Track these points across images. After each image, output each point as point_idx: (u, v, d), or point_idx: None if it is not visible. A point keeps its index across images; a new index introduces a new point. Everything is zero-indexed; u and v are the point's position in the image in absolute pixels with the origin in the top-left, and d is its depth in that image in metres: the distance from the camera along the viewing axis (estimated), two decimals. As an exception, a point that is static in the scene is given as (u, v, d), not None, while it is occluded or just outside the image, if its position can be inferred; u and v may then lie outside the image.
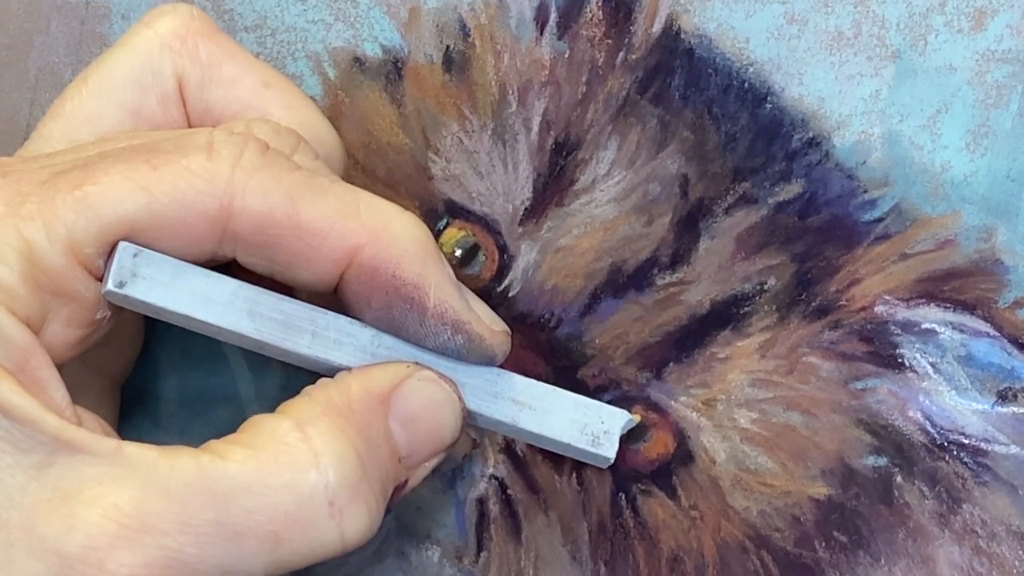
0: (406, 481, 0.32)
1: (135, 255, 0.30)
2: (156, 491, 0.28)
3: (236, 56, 0.34)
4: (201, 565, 0.28)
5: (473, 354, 0.33)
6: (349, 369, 0.32)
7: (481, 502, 0.37)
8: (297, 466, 0.29)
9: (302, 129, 0.34)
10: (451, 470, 0.37)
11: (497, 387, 0.34)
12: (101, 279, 0.30)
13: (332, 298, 0.33)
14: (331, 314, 0.32)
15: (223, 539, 0.28)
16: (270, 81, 0.34)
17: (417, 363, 0.33)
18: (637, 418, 0.36)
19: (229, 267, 0.32)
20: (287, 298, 0.32)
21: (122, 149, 0.31)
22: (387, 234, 0.31)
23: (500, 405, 0.34)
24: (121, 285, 0.30)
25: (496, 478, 0.37)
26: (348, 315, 0.33)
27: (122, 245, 0.30)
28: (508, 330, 0.34)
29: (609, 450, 0.34)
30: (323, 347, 0.32)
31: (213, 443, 0.30)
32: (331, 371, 0.32)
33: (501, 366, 0.34)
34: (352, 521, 0.30)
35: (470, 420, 0.34)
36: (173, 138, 0.31)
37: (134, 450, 0.29)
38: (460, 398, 0.33)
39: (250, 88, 0.34)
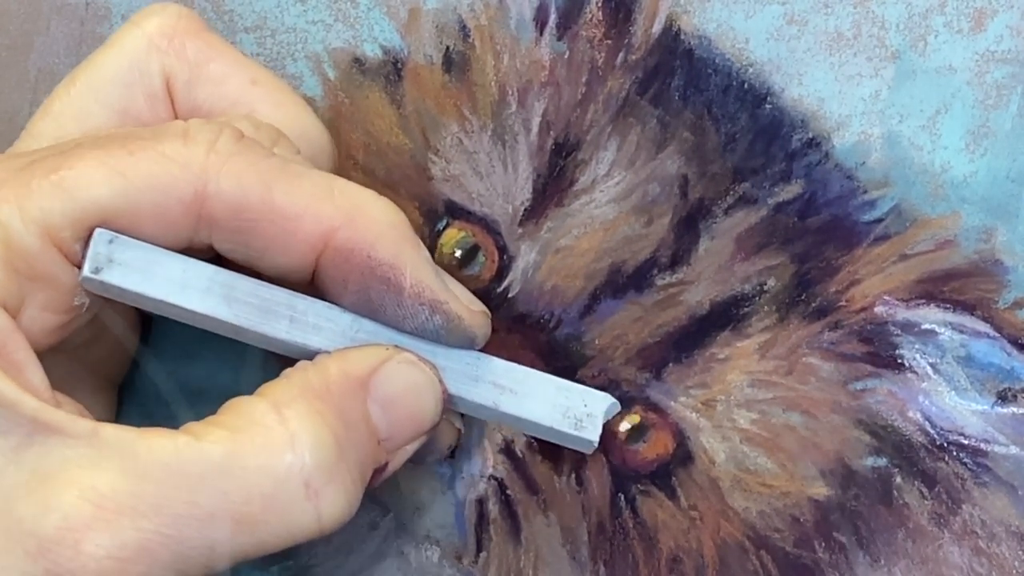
0: (386, 464, 0.32)
1: (111, 241, 0.30)
2: (133, 472, 0.28)
3: (224, 54, 0.34)
4: (178, 546, 0.28)
5: (452, 335, 0.33)
6: (328, 353, 0.32)
7: (480, 503, 0.37)
8: (273, 448, 0.29)
9: (291, 126, 0.34)
10: (450, 470, 0.37)
11: (478, 371, 0.33)
12: (78, 265, 0.30)
13: (311, 288, 0.32)
14: (309, 299, 0.32)
15: (199, 520, 0.28)
16: (258, 79, 0.34)
17: (397, 346, 0.32)
18: (619, 404, 0.35)
19: (210, 258, 0.32)
20: (265, 284, 0.32)
21: (99, 137, 0.31)
22: (362, 216, 0.31)
23: (481, 388, 0.33)
24: (97, 271, 0.30)
25: (495, 479, 0.37)
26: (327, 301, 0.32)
27: (98, 231, 0.30)
28: (487, 311, 0.33)
29: (592, 433, 0.34)
30: (302, 332, 0.32)
31: (191, 425, 0.30)
32: (310, 356, 0.32)
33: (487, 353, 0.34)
34: (329, 503, 0.30)
35: (451, 404, 0.33)
36: (151, 128, 0.31)
37: (111, 432, 0.29)
38: (440, 381, 0.33)
39: (238, 86, 0.34)
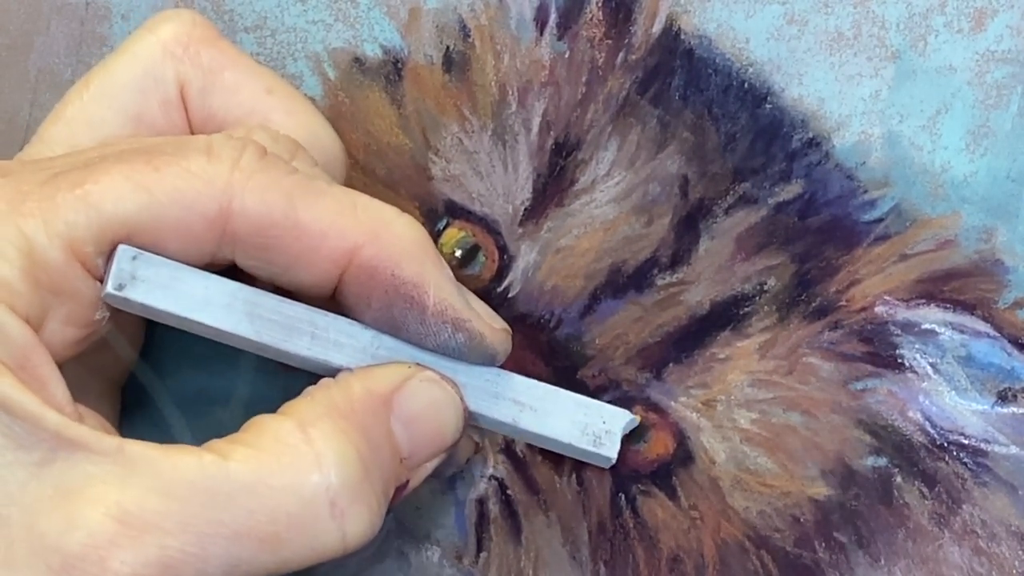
0: (407, 482, 0.32)
1: (134, 258, 0.30)
2: (158, 490, 0.28)
3: (238, 62, 0.34)
4: (202, 565, 0.28)
5: (474, 353, 0.33)
6: (350, 370, 0.32)
7: (481, 502, 0.37)
8: (299, 467, 0.29)
9: (304, 135, 0.34)
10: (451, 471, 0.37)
11: (498, 388, 0.34)
12: (100, 279, 0.31)
13: (331, 304, 0.33)
14: (331, 316, 0.32)
15: (224, 539, 0.28)
16: (272, 87, 0.34)
17: (419, 364, 0.32)
18: (638, 418, 0.36)
19: (231, 273, 0.32)
20: (287, 300, 0.32)
21: (122, 151, 0.31)
22: (386, 234, 0.31)
23: (501, 406, 0.34)
24: (120, 288, 0.30)
25: (496, 478, 0.37)
26: (348, 318, 0.33)
27: (121, 248, 0.30)
28: (508, 328, 0.34)
29: (611, 450, 0.34)
30: (323, 349, 0.32)
31: (215, 442, 0.30)
32: (331, 373, 0.32)
33: (502, 367, 0.34)
34: (354, 522, 0.30)
35: (471, 421, 0.34)
36: (173, 142, 0.31)
37: (136, 448, 0.29)
38: (462, 399, 0.33)
39: (252, 94, 0.34)
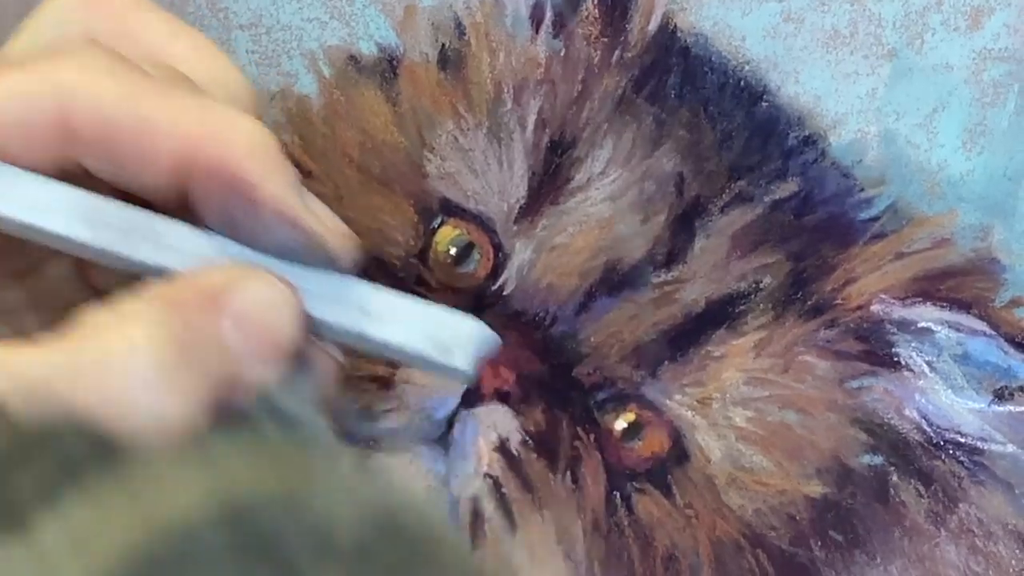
0: (247, 385, 0.32)
1: None
2: None
3: (142, 8, 0.35)
4: None
5: (314, 255, 0.32)
6: None
7: (475, 501, 0.37)
8: (111, 349, 0.29)
9: (209, 77, 0.34)
10: (445, 468, 0.37)
11: (342, 294, 0.32)
12: None
13: (185, 214, 0.32)
14: (176, 222, 0.32)
15: None
16: (177, 32, 0.35)
17: (253, 264, 0.32)
18: (495, 336, 0.33)
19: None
20: (129, 206, 0.31)
21: None
22: (227, 133, 0.31)
23: (345, 312, 0.32)
24: None
25: (490, 476, 0.37)
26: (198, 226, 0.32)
27: None
28: (351, 233, 0.33)
29: (463, 362, 0.31)
30: (164, 255, 0.31)
31: (39, 337, 0.30)
32: None
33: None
34: (171, 404, 0.30)
35: (315, 329, 0.33)
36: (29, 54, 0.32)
37: None
38: (299, 301, 0.32)
39: (156, 39, 0.34)
